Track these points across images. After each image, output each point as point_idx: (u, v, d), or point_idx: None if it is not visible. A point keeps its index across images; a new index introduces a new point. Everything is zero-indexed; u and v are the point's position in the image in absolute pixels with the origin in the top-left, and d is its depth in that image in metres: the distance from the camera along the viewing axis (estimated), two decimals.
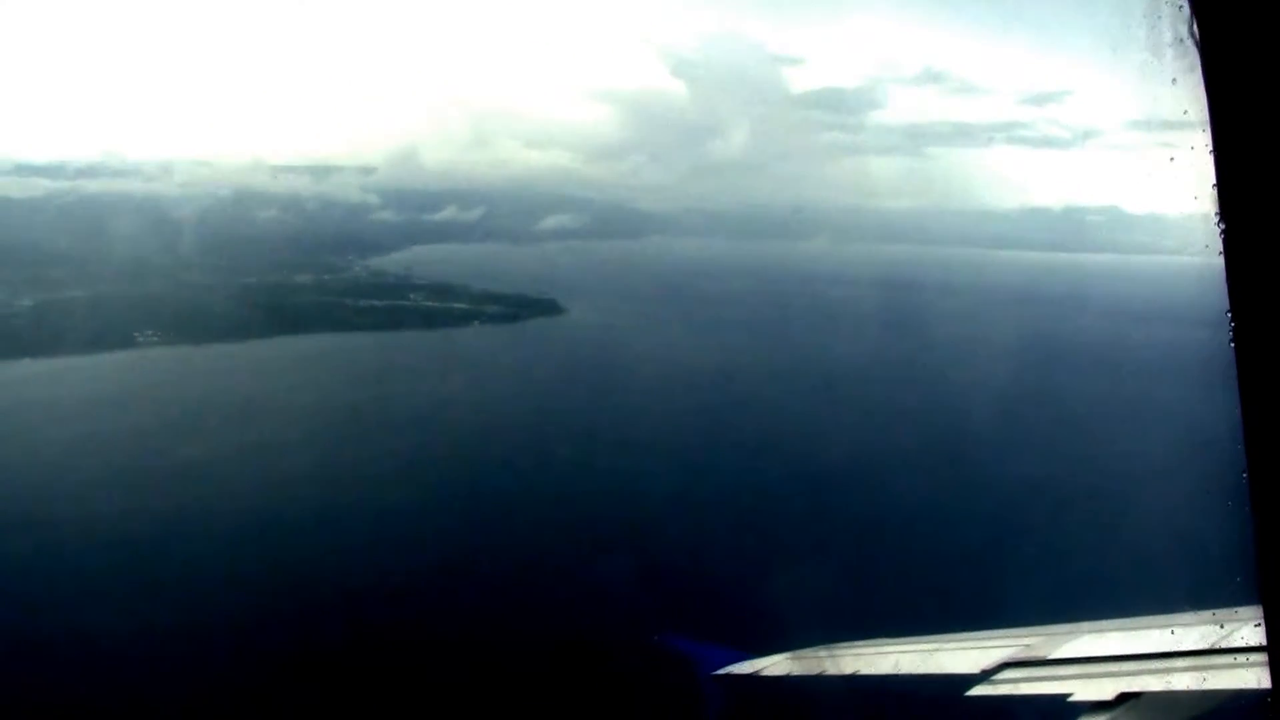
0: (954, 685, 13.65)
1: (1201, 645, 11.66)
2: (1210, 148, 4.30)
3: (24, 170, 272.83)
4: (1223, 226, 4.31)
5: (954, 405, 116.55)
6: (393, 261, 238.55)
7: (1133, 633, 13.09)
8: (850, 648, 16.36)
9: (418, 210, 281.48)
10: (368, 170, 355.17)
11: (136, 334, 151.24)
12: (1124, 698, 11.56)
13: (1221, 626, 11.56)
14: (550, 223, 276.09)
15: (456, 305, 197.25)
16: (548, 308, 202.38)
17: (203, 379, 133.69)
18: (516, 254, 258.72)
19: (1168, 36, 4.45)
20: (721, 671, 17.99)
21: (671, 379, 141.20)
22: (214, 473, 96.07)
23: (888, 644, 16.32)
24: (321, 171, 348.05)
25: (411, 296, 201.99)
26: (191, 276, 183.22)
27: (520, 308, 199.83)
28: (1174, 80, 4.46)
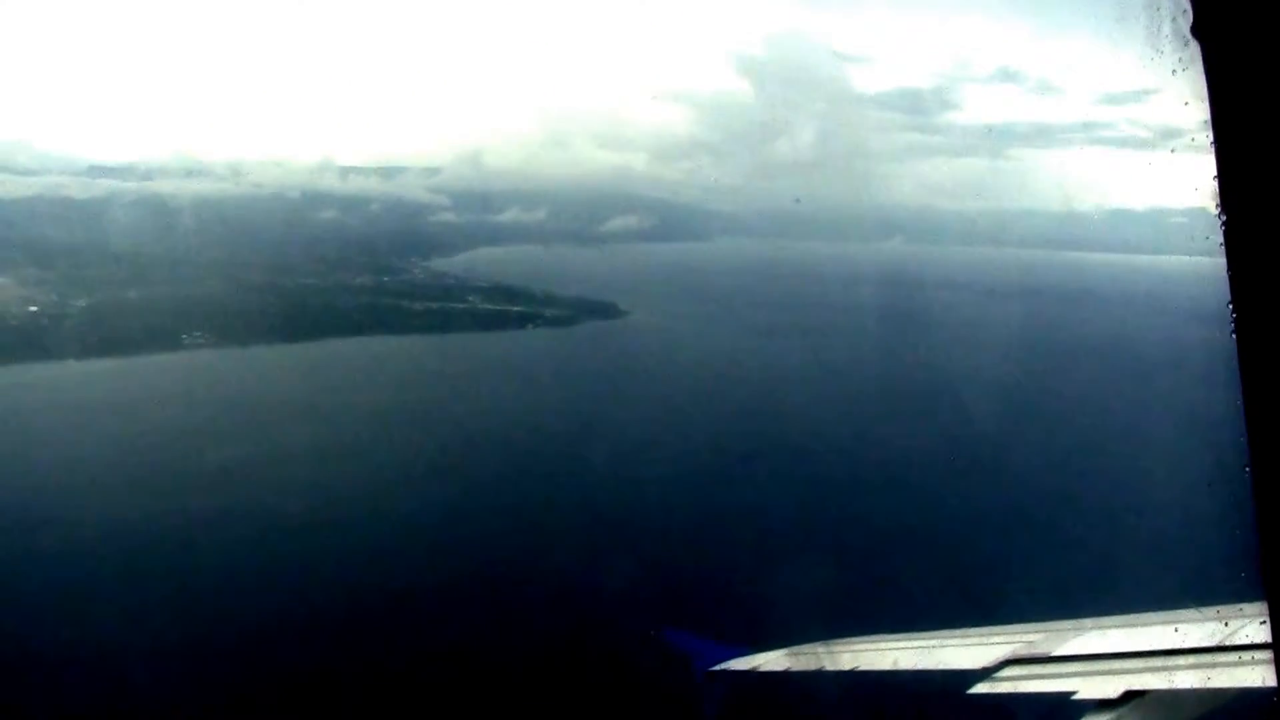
0: (955, 682, 13.49)
1: (1207, 643, 11.55)
2: (1211, 141, 4.34)
3: (95, 171, 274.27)
4: (1224, 220, 4.35)
5: (1022, 407, 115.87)
6: (455, 263, 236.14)
7: (1137, 629, 12.93)
8: (850, 644, 16.29)
9: (481, 211, 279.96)
10: (432, 171, 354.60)
11: (184, 336, 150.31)
12: (1129, 695, 11.39)
13: (1226, 624, 11.51)
14: (615, 224, 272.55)
15: (513, 308, 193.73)
16: (606, 310, 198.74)
17: (239, 381, 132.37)
18: (581, 256, 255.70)
19: (1167, 28, 4.46)
20: (719, 667, 17.84)
21: (721, 382, 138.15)
22: (234, 475, 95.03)
23: (888, 640, 16.27)
24: (389, 172, 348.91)
25: (469, 299, 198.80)
26: (250, 278, 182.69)
27: (578, 311, 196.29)
28: (1174, 72, 4.47)
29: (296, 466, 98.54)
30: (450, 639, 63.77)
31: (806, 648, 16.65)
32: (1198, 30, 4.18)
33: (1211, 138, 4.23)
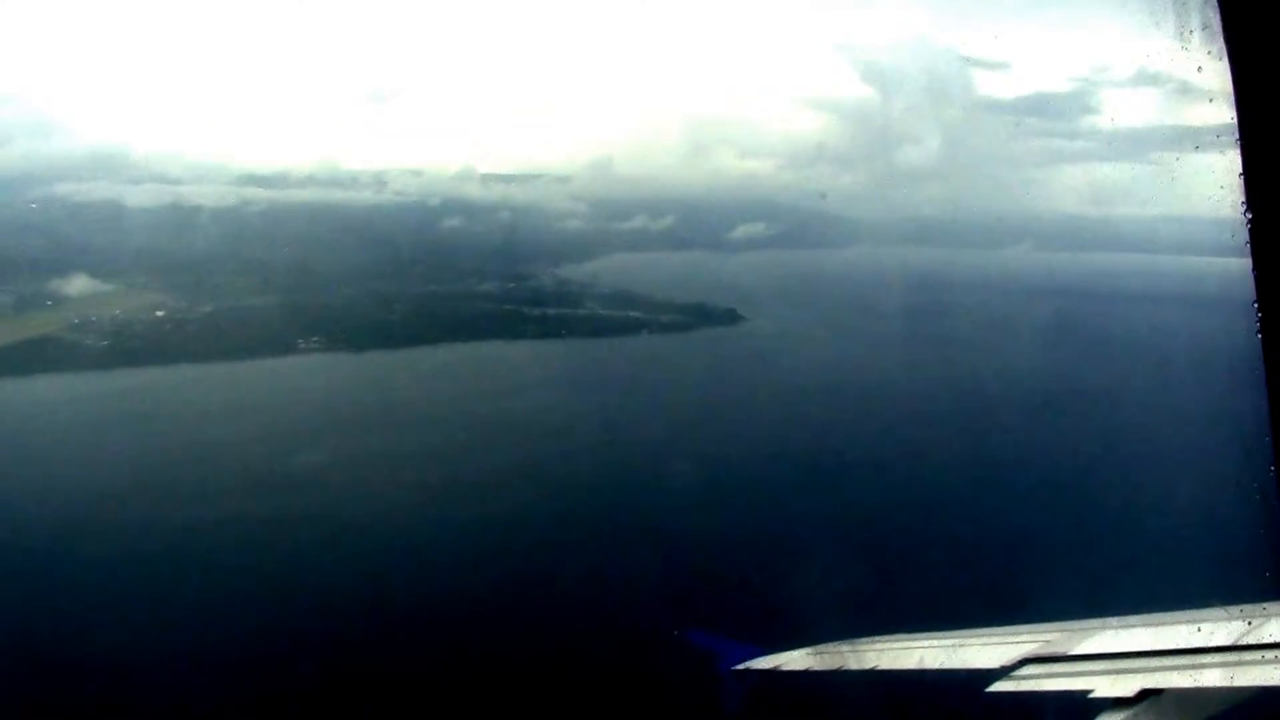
0: (975, 680, 13.66)
1: (1226, 641, 11.61)
2: (1236, 137, 4.34)
3: (245, 180, 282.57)
4: (1249, 216, 4.28)
5: (1157, 425, 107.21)
6: (584, 270, 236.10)
7: (1156, 628, 12.99)
8: (870, 643, 16.56)
9: (610, 219, 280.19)
10: (564, 179, 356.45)
11: (300, 341, 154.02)
12: (1145, 694, 11.45)
13: (1247, 623, 11.62)
14: (746, 231, 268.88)
15: (631, 314, 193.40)
16: (725, 317, 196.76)
17: (338, 385, 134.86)
18: (711, 262, 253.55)
19: (1195, 24, 4.41)
20: (741, 666, 18.15)
21: (823, 389, 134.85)
22: (321, 478, 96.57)
23: (908, 639, 16.50)
24: (524, 180, 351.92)
25: (589, 305, 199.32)
26: (376, 285, 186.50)
27: (695, 317, 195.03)
28: (1200, 69, 4.49)
29: (373, 470, 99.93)
30: (542, 639, 64.57)
31: (827, 647, 16.91)
32: (1224, 30, 4.12)
33: (1237, 136, 4.21)
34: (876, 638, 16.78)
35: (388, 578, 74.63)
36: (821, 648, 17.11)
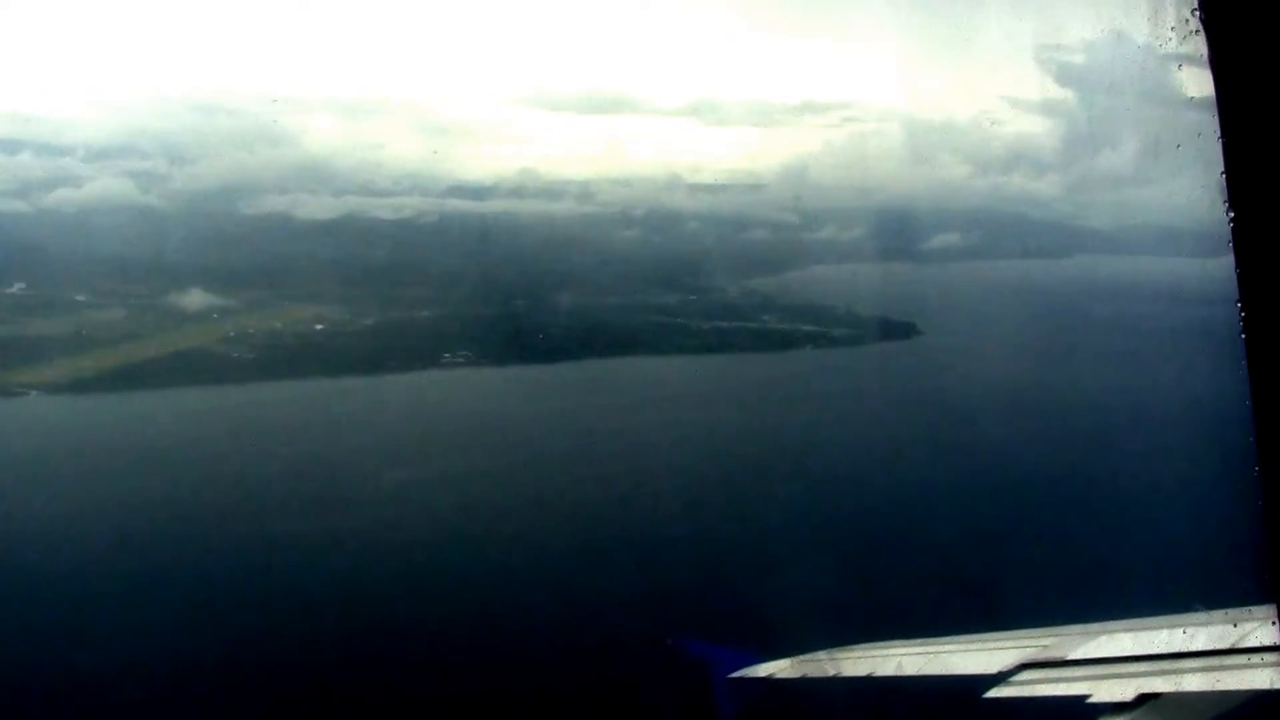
0: (971, 687, 13.83)
1: (1218, 645, 11.82)
2: (1218, 134, 4.31)
3: (453, 192, 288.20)
4: (1231, 214, 4.33)
5: None
6: (775, 282, 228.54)
7: (1150, 633, 13.07)
8: (865, 650, 16.50)
9: (799, 229, 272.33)
10: (756, 187, 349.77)
11: (446, 354, 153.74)
12: (1143, 698, 11.65)
13: (1235, 626, 11.80)
14: (944, 240, 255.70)
15: (804, 327, 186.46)
16: (901, 331, 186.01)
17: (464, 401, 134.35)
18: (910, 274, 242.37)
19: (1173, 21, 4.27)
20: (735, 674, 17.91)
21: (980, 408, 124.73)
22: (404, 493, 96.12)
23: (903, 646, 16.46)
24: (727, 189, 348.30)
25: (764, 318, 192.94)
26: (551, 298, 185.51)
27: (869, 331, 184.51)
28: (1179, 66, 4.36)
29: (448, 487, 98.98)
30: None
31: (823, 654, 16.83)
32: (1205, 24, 4.06)
33: (1218, 133, 4.13)
34: (872, 644, 16.54)
35: (522, 594, 73.49)
36: (816, 655, 16.81)
